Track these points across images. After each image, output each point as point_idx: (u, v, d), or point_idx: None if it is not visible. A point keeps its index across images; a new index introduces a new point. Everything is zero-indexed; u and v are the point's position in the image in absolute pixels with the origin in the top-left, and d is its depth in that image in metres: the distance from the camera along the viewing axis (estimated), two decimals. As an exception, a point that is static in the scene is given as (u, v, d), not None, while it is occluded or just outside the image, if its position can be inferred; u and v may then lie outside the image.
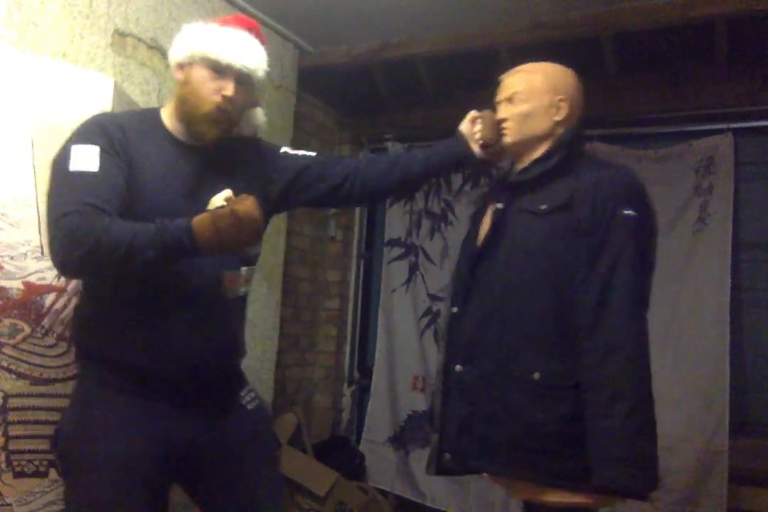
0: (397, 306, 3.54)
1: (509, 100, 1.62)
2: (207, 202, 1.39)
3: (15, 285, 1.82)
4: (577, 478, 1.40)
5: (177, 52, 1.50)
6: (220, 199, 1.37)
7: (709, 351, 2.75)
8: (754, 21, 2.65)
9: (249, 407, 1.59)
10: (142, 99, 2.50)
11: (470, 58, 3.10)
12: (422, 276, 3.50)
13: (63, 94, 1.94)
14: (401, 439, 3.40)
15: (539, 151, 1.60)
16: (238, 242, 1.33)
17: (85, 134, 1.40)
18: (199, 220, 1.30)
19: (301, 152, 1.69)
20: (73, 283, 1.89)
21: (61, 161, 1.37)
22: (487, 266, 1.57)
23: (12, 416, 1.79)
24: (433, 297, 3.45)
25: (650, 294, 1.53)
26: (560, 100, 1.59)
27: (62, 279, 1.88)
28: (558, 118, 1.59)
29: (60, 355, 1.87)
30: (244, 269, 1.53)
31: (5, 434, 1.78)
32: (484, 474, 1.60)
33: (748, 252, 2.90)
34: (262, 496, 1.55)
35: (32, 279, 1.84)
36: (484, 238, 1.60)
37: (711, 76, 2.95)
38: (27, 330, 1.83)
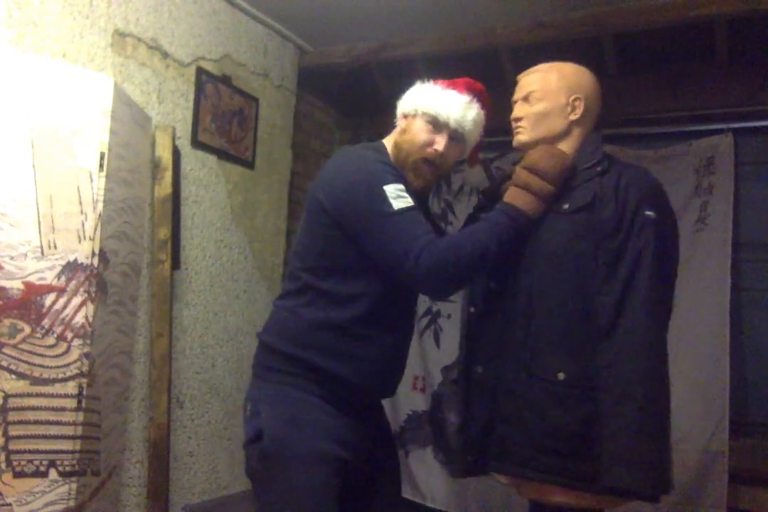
0: (397, 306, 3.54)
1: (525, 99, 1.62)
2: None
3: (15, 285, 1.82)
4: (592, 479, 1.40)
5: (404, 104, 1.64)
6: (479, 174, 1.53)
7: (709, 351, 2.74)
8: (754, 21, 2.65)
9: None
10: (142, 99, 2.51)
11: (470, 58, 3.10)
12: (422, 276, 3.50)
13: (63, 94, 1.95)
14: (401, 439, 3.40)
15: None
16: (549, 180, 1.49)
17: (385, 175, 1.50)
18: (508, 196, 1.50)
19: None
20: (73, 283, 1.89)
21: (373, 203, 1.46)
22: (510, 267, 1.56)
23: (12, 416, 1.79)
24: (433, 298, 3.45)
25: (672, 296, 1.53)
26: (576, 99, 1.58)
27: (62, 279, 1.88)
28: (574, 117, 1.58)
29: (60, 355, 1.87)
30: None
31: (5, 434, 1.78)
32: (493, 474, 1.60)
33: (748, 252, 2.89)
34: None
35: (32, 279, 1.84)
36: None
37: (711, 76, 2.94)
38: (27, 330, 1.83)
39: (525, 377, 1.48)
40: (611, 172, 1.53)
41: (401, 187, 1.48)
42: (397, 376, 1.67)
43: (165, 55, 2.62)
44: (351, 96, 3.64)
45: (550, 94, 1.59)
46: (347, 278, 1.53)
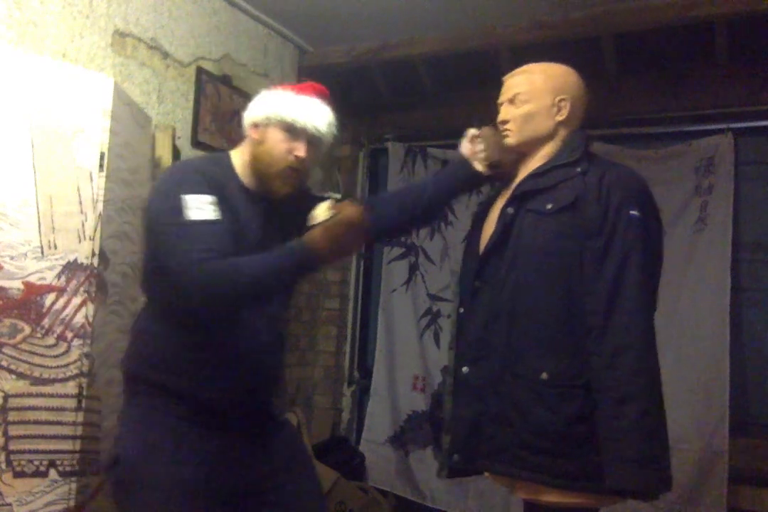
0: (397, 306, 3.54)
1: (511, 101, 1.62)
2: (275, 245, 1.50)
3: (15, 285, 1.82)
4: (582, 478, 1.40)
5: (254, 113, 1.59)
6: (323, 210, 1.46)
7: (709, 351, 2.75)
8: (754, 21, 2.65)
9: (280, 419, 1.67)
10: (142, 99, 2.51)
11: (470, 58, 3.11)
12: (422, 277, 3.50)
13: (63, 94, 1.94)
14: (401, 439, 3.40)
15: (543, 152, 1.60)
16: (351, 246, 1.46)
17: (190, 184, 1.45)
18: (311, 235, 1.41)
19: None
20: (73, 283, 1.89)
21: (170, 210, 1.41)
22: (494, 267, 1.56)
23: (12, 416, 1.79)
24: (433, 298, 3.45)
25: (657, 294, 1.54)
26: (562, 100, 1.58)
27: (62, 279, 1.88)
28: (560, 118, 1.58)
29: (60, 355, 1.87)
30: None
31: (5, 434, 1.78)
32: (486, 473, 1.60)
33: (748, 252, 2.89)
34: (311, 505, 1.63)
35: (32, 279, 1.84)
36: (491, 238, 1.59)
37: (711, 76, 2.94)
38: (27, 330, 1.83)
39: (509, 377, 1.48)
40: (594, 172, 1.52)
41: (207, 199, 1.43)
42: (257, 386, 1.57)
43: (165, 55, 2.62)
44: (351, 96, 3.65)
45: (535, 96, 1.58)
46: (160, 292, 1.50)
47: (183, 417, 1.46)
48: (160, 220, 1.44)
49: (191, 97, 2.75)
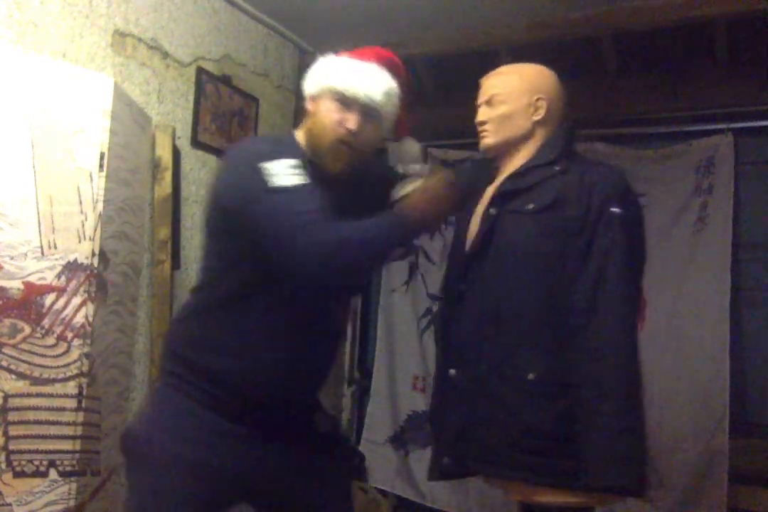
0: (397, 306, 3.54)
1: (488, 102, 1.62)
2: None
3: (15, 285, 1.82)
4: (574, 477, 1.40)
5: (309, 85, 1.50)
6: (409, 185, 1.47)
7: (709, 351, 2.74)
8: (754, 21, 2.65)
9: (321, 430, 1.55)
10: (142, 99, 2.51)
11: (470, 58, 3.10)
12: (422, 276, 3.50)
13: (63, 94, 1.95)
14: (401, 439, 3.40)
15: (523, 152, 1.60)
16: (449, 209, 1.46)
17: (267, 152, 1.36)
18: (410, 201, 1.41)
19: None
20: (73, 283, 1.89)
21: (255, 181, 1.32)
22: (478, 269, 1.55)
23: (12, 416, 1.79)
24: (433, 297, 3.45)
25: (640, 292, 1.53)
26: (538, 99, 1.58)
27: (62, 279, 1.88)
28: (537, 118, 1.58)
29: (60, 355, 1.87)
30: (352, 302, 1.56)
31: (5, 434, 1.78)
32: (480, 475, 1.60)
33: (748, 252, 2.89)
34: None
35: (32, 279, 1.84)
36: (474, 240, 1.58)
37: (711, 76, 2.94)
38: (27, 330, 1.83)
39: (497, 378, 1.48)
40: (574, 170, 1.52)
41: (290, 162, 1.34)
42: (303, 383, 1.49)
43: (165, 55, 2.62)
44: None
45: (512, 97, 1.59)
46: (234, 274, 1.41)
47: (211, 407, 1.39)
48: (246, 194, 1.34)
49: (191, 97, 2.75)
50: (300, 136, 1.51)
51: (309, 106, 1.50)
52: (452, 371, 1.57)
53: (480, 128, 1.64)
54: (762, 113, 2.86)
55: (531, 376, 1.44)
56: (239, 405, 1.41)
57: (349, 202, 1.44)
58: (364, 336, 3.81)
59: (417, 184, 1.45)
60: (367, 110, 1.44)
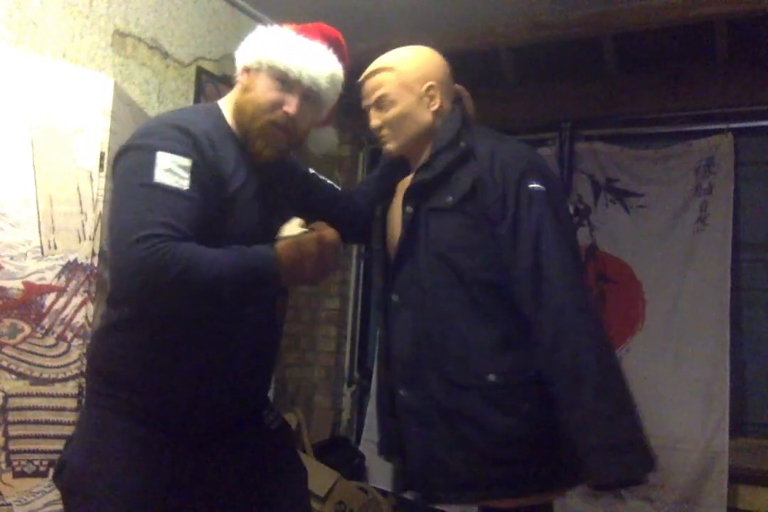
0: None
1: (377, 105, 1.49)
2: (275, 228, 1.28)
3: (15, 285, 1.82)
4: (535, 482, 1.31)
5: (246, 54, 1.36)
6: (294, 227, 1.27)
7: (709, 351, 2.75)
8: (754, 21, 2.65)
9: (272, 427, 1.45)
10: (142, 99, 2.51)
11: (470, 58, 3.10)
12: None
13: (63, 94, 1.94)
14: (401, 439, 3.39)
15: (429, 145, 1.47)
16: (317, 272, 1.23)
17: (171, 140, 1.19)
18: (283, 246, 1.20)
19: (326, 179, 1.56)
20: (73, 283, 1.89)
21: (138, 167, 1.16)
22: (409, 275, 1.43)
23: (12, 416, 1.79)
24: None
25: (581, 260, 1.41)
26: (429, 88, 1.46)
27: (62, 279, 1.88)
28: (434, 107, 1.46)
29: (60, 355, 1.87)
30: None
31: (5, 434, 1.78)
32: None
33: (748, 252, 2.90)
34: None
35: (32, 279, 1.84)
36: (398, 245, 1.45)
37: (711, 76, 2.94)
38: (27, 330, 1.83)
39: (453, 389, 1.35)
40: (482, 146, 1.40)
41: (183, 162, 1.17)
42: (235, 406, 1.35)
43: (165, 55, 2.63)
44: (351, 96, 3.64)
45: (400, 95, 1.46)
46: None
47: (146, 422, 1.26)
48: (122, 177, 1.19)
49: (191, 97, 2.75)
50: (225, 110, 1.35)
51: (241, 77, 1.36)
52: (402, 391, 1.42)
53: (378, 134, 1.51)
54: (762, 113, 2.86)
55: (492, 378, 1.32)
56: (180, 418, 1.29)
57: (267, 190, 1.34)
58: (364, 337, 3.81)
59: (299, 229, 1.26)
60: (308, 94, 1.32)
